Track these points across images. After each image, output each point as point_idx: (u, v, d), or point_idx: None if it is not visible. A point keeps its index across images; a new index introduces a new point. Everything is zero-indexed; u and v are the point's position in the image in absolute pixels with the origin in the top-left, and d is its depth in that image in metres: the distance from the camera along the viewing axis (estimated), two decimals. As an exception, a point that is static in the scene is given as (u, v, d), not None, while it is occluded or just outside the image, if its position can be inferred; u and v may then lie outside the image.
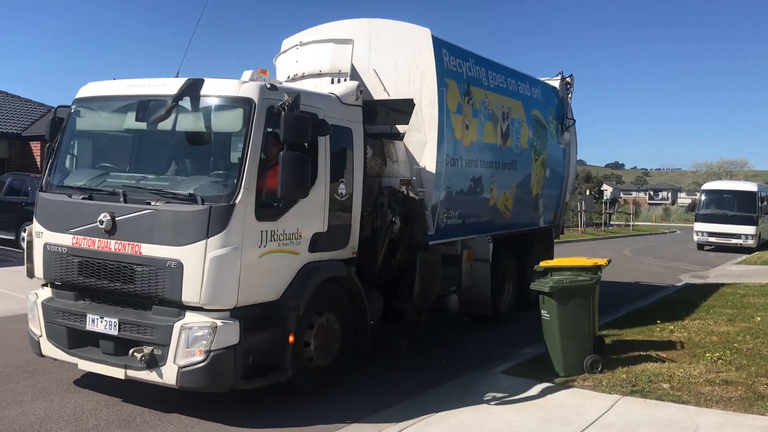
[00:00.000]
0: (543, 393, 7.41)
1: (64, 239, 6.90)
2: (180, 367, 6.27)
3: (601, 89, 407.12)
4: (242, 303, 6.46)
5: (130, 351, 6.41)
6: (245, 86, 6.63)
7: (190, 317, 6.33)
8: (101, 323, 6.66)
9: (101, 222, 6.58)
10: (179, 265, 6.28)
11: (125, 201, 6.58)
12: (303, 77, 9.19)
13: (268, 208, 6.59)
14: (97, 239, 6.68)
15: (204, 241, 6.24)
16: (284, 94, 6.55)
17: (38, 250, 7.14)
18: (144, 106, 6.84)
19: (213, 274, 6.23)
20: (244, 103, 6.55)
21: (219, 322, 6.27)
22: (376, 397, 7.45)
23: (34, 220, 7.24)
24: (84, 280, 6.83)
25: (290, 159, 6.36)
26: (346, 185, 7.67)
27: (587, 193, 56.29)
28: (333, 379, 7.52)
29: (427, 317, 9.16)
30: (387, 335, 8.34)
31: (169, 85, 6.76)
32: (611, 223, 50.69)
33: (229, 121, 6.65)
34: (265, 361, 6.72)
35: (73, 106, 7.48)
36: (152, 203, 6.47)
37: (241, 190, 6.33)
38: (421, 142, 9.47)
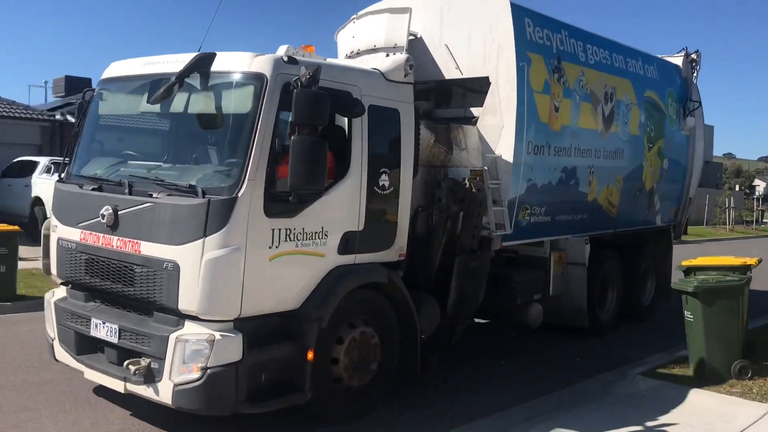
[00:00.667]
0: (685, 397, 7.00)
1: (74, 234, 6.26)
2: (175, 385, 5.43)
3: (751, 71, 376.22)
4: (248, 313, 5.52)
5: (125, 363, 5.66)
6: (258, 60, 5.67)
7: (189, 328, 5.47)
8: (103, 329, 5.96)
9: (102, 216, 5.86)
10: (176, 268, 5.43)
11: (130, 193, 5.84)
12: (359, 54, 8.13)
13: (282, 202, 5.61)
14: (101, 235, 5.98)
15: (201, 240, 5.36)
16: (302, 68, 5.53)
17: (53, 245, 6.57)
18: (156, 86, 6.04)
19: (209, 279, 5.33)
20: (255, 79, 5.60)
21: (218, 335, 5.36)
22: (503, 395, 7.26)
23: (51, 212, 6.69)
24: (90, 280, 6.17)
25: (301, 144, 5.33)
26: (391, 176, 6.56)
27: (737, 188, 51.85)
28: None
29: (463, 329, 7.94)
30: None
31: (182, 62, 5.93)
32: (764, 220, 46.35)
33: (238, 101, 5.73)
34: (281, 380, 5.78)
35: (96, 89, 6.86)
36: (154, 195, 5.69)
37: (246, 181, 5.39)
38: (497, 127, 8.16)
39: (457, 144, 7.95)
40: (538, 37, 8.49)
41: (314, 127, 5.46)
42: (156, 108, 6.15)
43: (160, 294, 5.54)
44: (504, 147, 8.11)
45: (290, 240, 5.71)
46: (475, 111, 8.33)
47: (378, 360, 6.51)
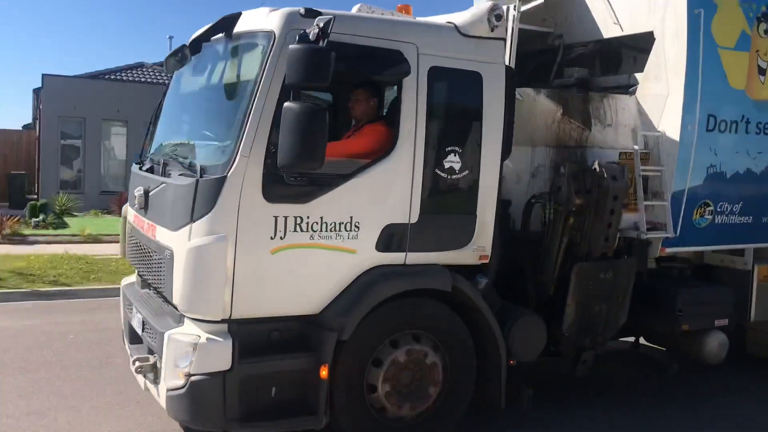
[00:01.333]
0: None
1: (131, 216, 5.96)
2: (167, 389, 4.77)
3: None
4: (244, 314, 4.64)
5: (134, 357, 5.15)
6: (271, 15, 4.72)
7: (185, 327, 4.76)
8: (136, 318, 5.55)
9: (135, 197, 5.45)
10: (172, 256, 4.77)
11: (161, 173, 5.32)
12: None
13: (289, 185, 4.63)
14: (139, 217, 5.58)
15: (189, 225, 4.62)
16: (315, 21, 4.46)
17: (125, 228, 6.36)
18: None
19: (190, 270, 4.53)
20: (264, 37, 4.67)
21: (203, 338, 4.58)
22: None
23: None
24: (136, 265, 5.82)
25: (291, 113, 4.28)
26: (465, 157, 5.19)
27: None
28: None
29: (596, 358, 6.13)
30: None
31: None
32: None
33: (246, 64, 4.86)
34: (295, 399, 4.82)
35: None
36: (171, 175, 5.09)
37: (238, 157, 4.51)
38: (661, 96, 6.22)
39: (598, 118, 6.19)
40: (730, -26, 6.31)
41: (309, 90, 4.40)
42: (190, 80, 5.58)
43: (164, 284, 4.93)
44: (669, 122, 6.17)
45: (302, 231, 4.70)
46: (639, 78, 6.47)
47: (440, 383, 5.21)
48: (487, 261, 5.38)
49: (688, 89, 6.04)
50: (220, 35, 5.08)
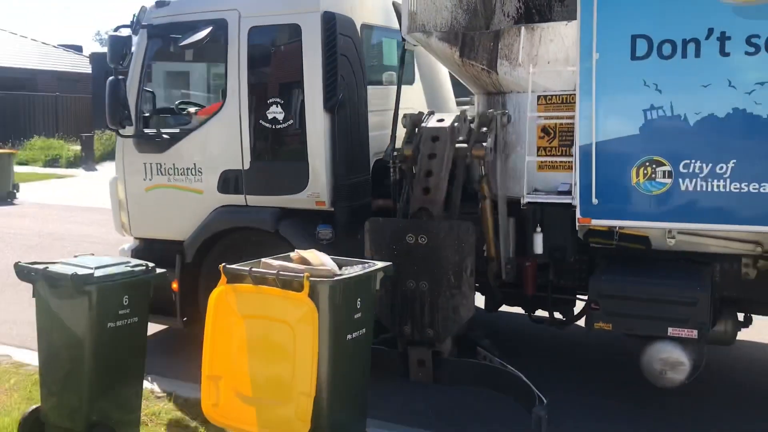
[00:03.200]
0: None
1: None
2: None
3: None
4: (136, 234, 6.29)
5: None
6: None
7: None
8: None
9: None
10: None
11: None
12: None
13: (149, 138, 6.00)
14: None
15: None
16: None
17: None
18: None
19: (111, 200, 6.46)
20: None
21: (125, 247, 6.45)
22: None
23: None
24: None
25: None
26: (288, 108, 5.50)
27: None
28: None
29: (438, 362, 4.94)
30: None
31: None
32: None
33: None
34: (165, 303, 5.92)
35: None
36: None
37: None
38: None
39: (506, 57, 5.17)
40: None
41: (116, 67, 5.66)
42: None
43: None
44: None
45: (161, 174, 5.99)
46: None
47: None
48: (324, 206, 5.48)
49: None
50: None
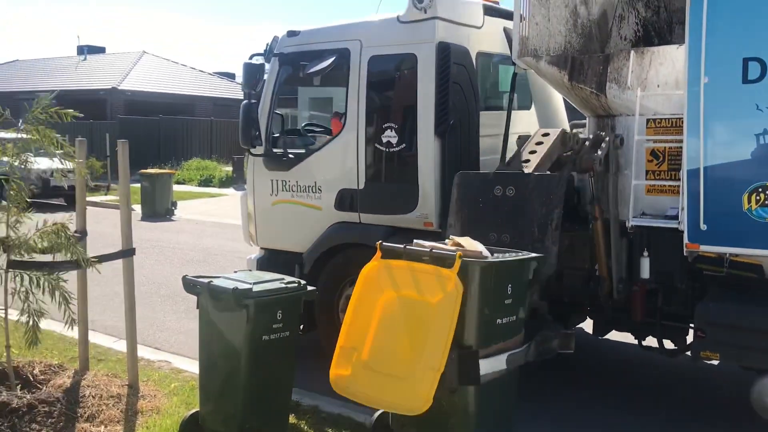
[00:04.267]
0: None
1: None
2: None
3: None
4: (261, 245, 6.78)
5: None
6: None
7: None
8: None
9: None
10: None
11: None
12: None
13: (275, 158, 6.49)
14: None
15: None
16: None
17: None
18: None
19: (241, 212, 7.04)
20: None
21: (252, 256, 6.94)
22: None
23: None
24: None
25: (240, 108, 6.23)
26: (401, 132, 5.79)
27: None
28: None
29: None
30: None
31: None
32: None
33: None
34: None
35: None
36: None
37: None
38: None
39: (615, 80, 5.19)
40: None
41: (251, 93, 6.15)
42: None
43: None
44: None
45: (286, 191, 6.45)
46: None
47: None
48: (432, 228, 5.70)
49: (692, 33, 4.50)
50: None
